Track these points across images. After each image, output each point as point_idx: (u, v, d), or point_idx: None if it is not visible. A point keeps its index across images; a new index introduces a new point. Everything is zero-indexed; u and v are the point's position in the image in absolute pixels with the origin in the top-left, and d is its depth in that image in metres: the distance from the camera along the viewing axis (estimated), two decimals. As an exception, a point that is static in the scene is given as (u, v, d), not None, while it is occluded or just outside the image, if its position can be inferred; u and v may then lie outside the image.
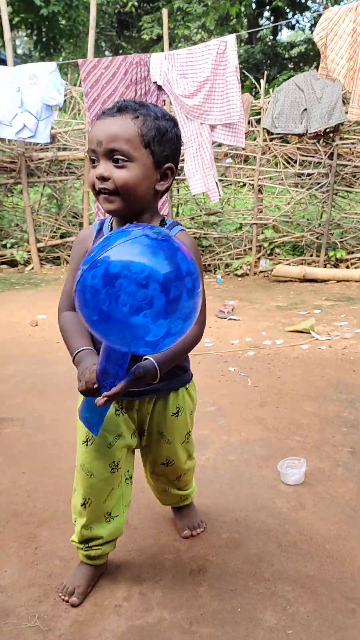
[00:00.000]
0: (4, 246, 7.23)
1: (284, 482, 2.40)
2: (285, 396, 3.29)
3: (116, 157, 1.40)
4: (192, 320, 1.21)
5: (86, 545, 1.78)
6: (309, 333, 4.46)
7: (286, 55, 16.73)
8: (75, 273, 1.45)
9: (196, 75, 5.44)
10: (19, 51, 24.29)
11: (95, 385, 1.40)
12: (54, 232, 7.30)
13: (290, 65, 16.65)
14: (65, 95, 6.55)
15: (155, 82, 5.57)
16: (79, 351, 1.54)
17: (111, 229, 1.58)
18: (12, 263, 7.25)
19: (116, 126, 1.40)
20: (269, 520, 2.16)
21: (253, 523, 2.14)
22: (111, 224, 1.60)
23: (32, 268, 7.09)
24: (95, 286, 1.11)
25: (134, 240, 1.13)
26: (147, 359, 1.46)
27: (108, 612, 1.71)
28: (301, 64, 16.58)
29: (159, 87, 5.60)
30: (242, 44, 15.71)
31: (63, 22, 16.02)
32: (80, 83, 5.89)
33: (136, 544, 2.02)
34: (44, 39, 16.32)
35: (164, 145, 1.45)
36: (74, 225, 7.32)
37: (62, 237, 7.32)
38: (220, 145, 6.57)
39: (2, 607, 1.73)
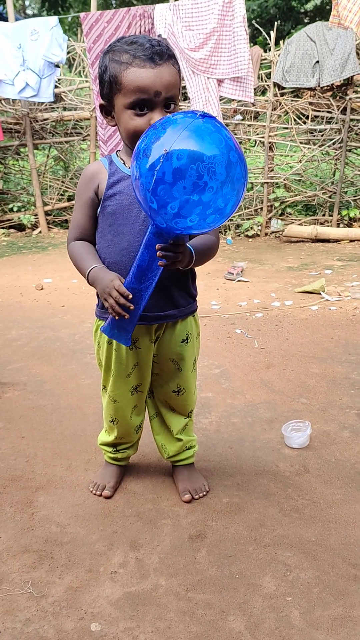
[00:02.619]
0: (11, 210, 7.13)
1: (288, 445, 2.33)
2: (293, 358, 3.21)
3: (170, 105, 1.50)
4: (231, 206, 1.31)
5: (114, 449, 2.04)
6: (319, 294, 4.35)
7: (301, 10, 16.15)
8: (83, 207, 1.69)
9: (202, 27, 5.23)
10: (29, 12, 23.68)
11: (130, 296, 1.51)
12: (61, 194, 7.18)
13: (306, 20, 16.08)
14: (69, 53, 6.36)
15: (159, 35, 5.36)
16: (92, 268, 1.63)
17: (123, 162, 1.67)
18: (20, 227, 7.17)
19: (168, 75, 1.47)
20: (272, 484, 2.10)
21: (255, 487, 2.08)
22: (119, 155, 1.69)
23: (40, 232, 7.00)
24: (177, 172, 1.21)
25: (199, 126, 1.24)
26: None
27: (103, 579, 1.67)
28: (317, 18, 16.00)
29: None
30: (255, -1, 15.17)
31: (71, -20, 15.57)
32: (84, 39, 5.70)
33: (134, 509, 1.97)
34: (51, -2, 15.91)
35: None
36: (81, 187, 7.18)
37: (69, 199, 7.20)
38: (229, 101, 6.36)
39: (-4, 574, 1.70)
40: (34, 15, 22.51)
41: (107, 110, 1.60)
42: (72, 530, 1.87)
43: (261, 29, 6.82)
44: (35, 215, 7.03)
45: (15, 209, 7.10)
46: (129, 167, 1.53)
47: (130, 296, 1.52)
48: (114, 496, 2.03)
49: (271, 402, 2.70)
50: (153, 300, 1.67)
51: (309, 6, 16.37)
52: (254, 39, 12.10)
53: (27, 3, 23.92)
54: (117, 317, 1.56)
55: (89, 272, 1.63)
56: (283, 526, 1.88)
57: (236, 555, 1.76)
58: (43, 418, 2.59)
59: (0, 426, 2.52)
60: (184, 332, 1.83)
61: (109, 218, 1.67)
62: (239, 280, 4.84)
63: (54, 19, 5.70)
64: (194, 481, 2.05)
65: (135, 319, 1.59)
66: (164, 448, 2.05)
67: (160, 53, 1.46)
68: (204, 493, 2.04)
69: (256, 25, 6.72)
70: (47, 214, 7.09)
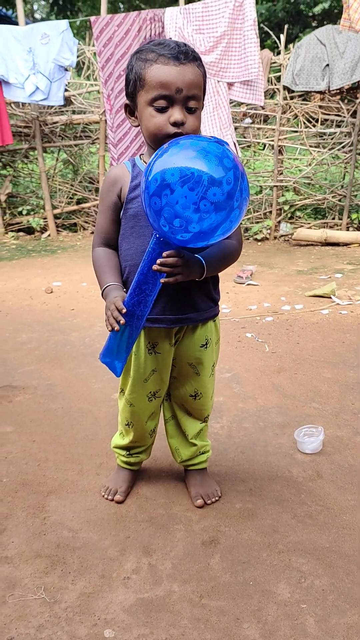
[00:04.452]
0: (20, 213, 7.15)
1: (301, 450, 2.32)
2: (304, 362, 3.19)
3: (192, 104, 1.51)
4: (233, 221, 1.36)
5: (128, 453, 2.05)
6: (330, 298, 4.33)
7: (309, 13, 16.12)
8: (106, 211, 1.70)
9: (212, 31, 5.23)
10: (37, 15, 23.76)
11: (124, 310, 1.52)
12: (70, 198, 7.19)
13: (314, 24, 16.04)
14: (79, 56, 6.37)
15: (170, 39, 5.36)
16: (108, 285, 1.66)
17: (145, 163, 1.68)
18: (29, 230, 7.18)
19: (191, 74, 1.49)
20: (284, 490, 2.09)
21: (268, 493, 2.07)
22: (142, 158, 1.70)
23: (49, 235, 7.01)
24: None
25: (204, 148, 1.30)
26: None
27: (116, 585, 1.66)
28: (325, 22, 15.95)
29: (174, 44, 5.40)
30: (264, 2, 15.16)
31: (79, -17, 15.61)
32: (94, 43, 5.71)
33: (147, 514, 1.96)
34: (60, 2, 15.93)
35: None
36: (89, 190, 7.20)
37: (78, 203, 7.22)
38: (239, 105, 6.36)
39: (8, 579, 1.69)
40: (42, 19, 22.59)
41: (131, 110, 1.62)
42: (84, 535, 1.86)
43: (270, 32, 6.81)
44: (45, 218, 7.05)
45: (24, 212, 7.12)
46: None
47: (124, 310, 1.53)
48: (126, 501, 2.02)
49: (283, 407, 2.68)
50: (173, 303, 1.69)
51: (317, 10, 16.34)
52: (262, 42, 12.09)
53: (35, 7, 24.01)
54: (109, 329, 1.56)
55: (104, 289, 1.66)
56: (297, 532, 1.87)
57: (250, 562, 1.74)
58: (54, 422, 2.58)
59: (11, 430, 2.52)
60: (203, 336, 1.82)
61: (131, 220, 1.66)
62: (248, 284, 4.82)
63: (65, 23, 5.71)
64: (206, 486, 2.04)
65: (129, 345, 1.62)
66: (177, 452, 2.04)
67: (185, 52, 1.49)
68: (217, 498, 2.02)
69: (265, 29, 6.69)
70: (56, 217, 7.10)
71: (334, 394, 2.80)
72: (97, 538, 1.85)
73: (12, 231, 7.08)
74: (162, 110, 1.50)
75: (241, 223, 6.76)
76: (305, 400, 2.74)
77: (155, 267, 1.46)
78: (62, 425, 2.55)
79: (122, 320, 1.53)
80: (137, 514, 1.96)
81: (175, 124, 1.49)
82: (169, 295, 1.69)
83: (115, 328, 1.53)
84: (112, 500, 2.02)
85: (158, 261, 1.45)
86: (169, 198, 1.29)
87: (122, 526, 1.90)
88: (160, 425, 2.06)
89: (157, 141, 1.52)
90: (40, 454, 2.33)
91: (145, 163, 1.67)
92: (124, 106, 1.65)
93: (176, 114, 1.49)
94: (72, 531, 1.88)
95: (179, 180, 1.27)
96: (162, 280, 1.48)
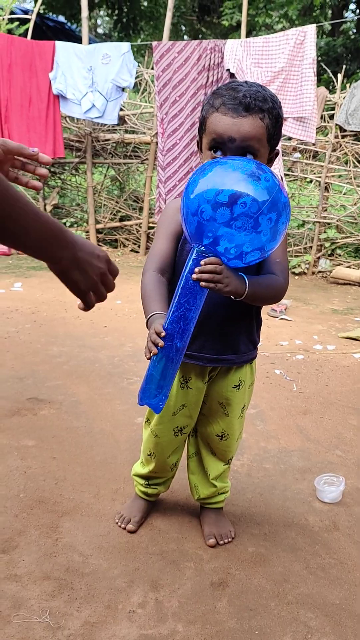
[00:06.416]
0: (64, 224, 7.26)
1: (320, 499, 2.28)
2: (331, 406, 3.16)
3: (248, 153, 1.50)
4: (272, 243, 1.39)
5: (146, 483, 2.04)
6: (363, 341, 4.29)
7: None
8: (166, 238, 1.70)
9: (271, 65, 5.28)
10: (100, 30, 24.31)
11: (163, 334, 1.44)
12: (114, 214, 7.28)
13: (373, 61, 16.10)
14: (137, 77, 6.49)
15: (228, 70, 5.43)
16: (154, 314, 1.58)
17: None
18: (70, 242, 7.27)
19: (248, 127, 1.47)
20: (299, 538, 2.06)
21: (282, 539, 2.04)
22: None
23: (89, 248, 7.09)
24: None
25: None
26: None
27: (121, 617, 1.65)
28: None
29: (232, 75, 5.47)
30: (324, 36, 15.30)
31: (144, 3, 15.97)
32: (153, 66, 5.82)
33: (158, 547, 1.95)
34: (124, 20, 16.33)
35: (278, 133, 1.57)
36: (134, 209, 7.28)
37: (121, 220, 7.30)
38: (289, 138, 6.38)
39: (15, 598, 1.69)
40: (104, 34, 23.10)
41: (200, 146, 1.64)
42: (94, 561, 1.86)
43: (326, 68, 6.86)
44: (87, 232, 7.14)
45: (68, 224, 7.23)
46: None
47: (163, 333, 1.44)
48: (138, 531, 2.02)
49: (305, 451, 2.65)
50: (213, 342, 1.68)
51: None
52: (319, 76, 12.15)
53: (99, 22, 24.57)
54: (147, 357, 1.49)
55: (149, 317, 1.59)
56: (308, 584, 1.84)
57: (257, 610, 1.72)
58: (75, 440, 2.60)
59: (33, 444, 2.54)
60: (237, 378, 1.82)
61: None
62: (282, 318, 4.81)
63: (127, 46, 5.83)
64: (220, 526, 2.02)
65: (168, 378, 1.51)
66: (196, 489, 2.03)
67: (247, 105, 1.47)
68: (230, 539, 2.00)
69: (322, 64, 6.73)
70: (98, 231, 7.20)
71: (358, 442, 2.76)
72: (106, 566, 1.84)
73: (53, 241, 7.19)
74: (216, 156, 1.52)
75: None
76: (328, 447, 2.70)
77: (194, 275, 1.40)
78: (82, 445, 2.57)
79: (161, 343, 1.43)
80: (149, 546, 1.95)
81: None
82: (210, 332, 1.69)
83: (153, 351, 1.44)
84: (125, 529, 2.02)
85: (197, 269, 1.40)
86: (215, 215, 1.32)
87: (133, 557, 1.89)
88: (182, 459, 2.06)
89: None
90: (59, 472, 2.34)
91: None
92: (197, 140, 1.68)
93: None
94: (82, 556, 1.88)
95: (227, 200, 1.30)
96: (202, 284, 1.40)
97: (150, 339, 1.45)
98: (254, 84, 1.56)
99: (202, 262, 1.40)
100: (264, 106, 1.50)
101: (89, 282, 1.08)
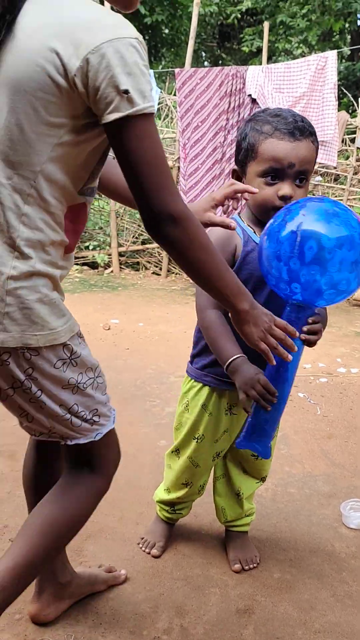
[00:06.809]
0: (87, 248, 7.35)
1: (346, 524, 2.25)
2: (356, 430, 3.12)
3: (302, 178, 1.54)
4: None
5: (172, 508, 2.02)
6: (387, 364, 4.24)
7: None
8: None
9: (292, 90, 5.34)
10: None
11: (276, 394, 1.46)
12: (136, 237, 7.35)
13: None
14: (159, 104, 6.60)
15: (249, 95, 5.50)
16: (235, 358, 1.55)
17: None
18: (93, 265, 7.36)
19: (305, 150, 1.52)
20: (326, 564, 2.03)
21: (308, 565, 2.01)
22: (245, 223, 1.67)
23: (112, 271, 7.16)
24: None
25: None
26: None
27: (146, 643, 1.64)
28: None
29: (253, 100, 5.53)
30: (343, 61, 15.42)
31: (166, 31, 16.26)
32: (175, 92, 5.91)
33: (183, 572, 1.93)
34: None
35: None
36: (156, 232, 7.34)
37: (143, 243, 7.36)
38: (311, 162, 6.43)
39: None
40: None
41: (238, 175, 1.64)
42: (119, 586, 1.85)
43: (347, 92, 6.91)
44: (109, 255, 7.22)
45: (90, 247, 7.31)
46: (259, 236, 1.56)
47: (277, 393, 1.45)
48: (162, 556, 2.00)
49: (331, 476, 2.62)
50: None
51: None
52: (339, 99, 12.24)
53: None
54: (248, 411, 1.52)
55: (231, 361, 1.55)
56: (335, 612, 1.81)
57: (284, 638, 1.69)
58: (99, 463, 2.59)
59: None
60: None
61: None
62: (304, 341, 4.78)
63: (150, 73, 5.93)
64: (246, 551, 2.00)
65: (273, 423, 1.56)
66: (223, 512, 2.01)
67: (301, 129, 1.51)
68: (255, 565, 1.98)
69: (342, 88, 6.79)
70: (120, 255, 7.26)
71: (384, 467, 2.73)
72: (130, 591, 1.83)
73: (76, 264, 7.27)
74: (271, 183, 1.53)
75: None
76: (354, 472, 2.67)
77: (303, 336, 1.42)
78: (107, 467, 2.56)
79: (274, 400, 1.46)
80: (174, 571, 1.94)
81: (283, 198, 1.51)
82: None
83: (268, 409, 1.46)
84: (149, 553, 2.00)
85: (305, 328, 1.42)
86: (327, 264, 1.33)
87: (157, 582, 1.88)
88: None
89: (262, 212, 1.56)
90: (83, 495, 2.34)
91: (252, 229, 1.64)
92: (231, 171, 1.67)
93: (285, 188, 1.52)
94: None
95: (335, 244, 1.32)
96: (302, 337, 1.42)
97: (264, 398, 1.46)
98: (286, 109, 1.58)
99: (309, 320, 1.44)
100: (312, 129, 1.55)
101: (260, 335, 1.31)
